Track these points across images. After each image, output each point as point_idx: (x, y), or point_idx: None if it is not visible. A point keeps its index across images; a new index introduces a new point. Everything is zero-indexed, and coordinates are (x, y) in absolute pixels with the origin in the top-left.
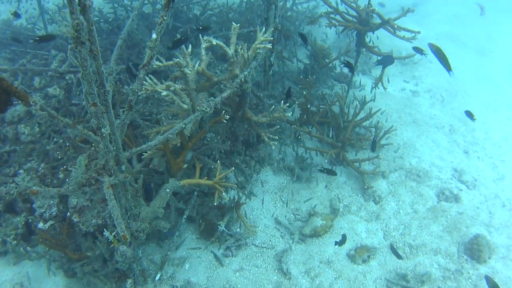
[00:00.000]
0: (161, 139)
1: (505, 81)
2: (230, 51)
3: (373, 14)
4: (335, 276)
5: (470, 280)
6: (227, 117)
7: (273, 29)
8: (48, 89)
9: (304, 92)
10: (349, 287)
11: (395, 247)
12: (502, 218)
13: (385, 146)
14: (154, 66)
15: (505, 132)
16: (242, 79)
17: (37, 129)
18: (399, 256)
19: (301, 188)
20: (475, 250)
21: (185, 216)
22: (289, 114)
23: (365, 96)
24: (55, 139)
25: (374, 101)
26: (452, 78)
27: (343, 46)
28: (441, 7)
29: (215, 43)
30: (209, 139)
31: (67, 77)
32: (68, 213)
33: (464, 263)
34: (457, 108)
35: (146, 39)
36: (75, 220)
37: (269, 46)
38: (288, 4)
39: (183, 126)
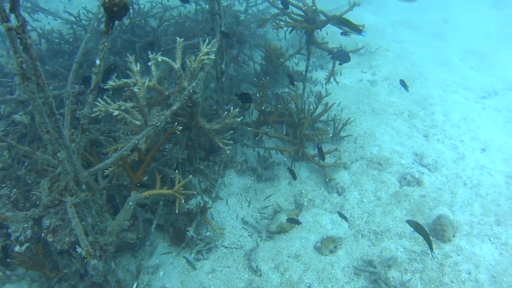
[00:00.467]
0: (116, 156)
1: (462, 61)
2: (176, 65)
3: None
4: (303, 268)
5: (435, 259)
6: (180, 128)
7: (219, 38)
8: (14, 116)
9: (258, 95)
10: (318, 278)
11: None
12: (464, 197)
13: (345, 138)
14: (108, 86)
15: (464, 112)
16: (190, 91)
17: (7, 155)
18: (346, 219)
19: (265, 187)
20: (438, 230)
21: (154, 226)
22: (239, 120)
23: (320, 91)
24: (25, 164)
25: (330, 95)
26: (409, 65)
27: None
28: None
29: (160, 60)
30: (168, 149)
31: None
32: (43, 234)
33: None
34: (415, 93)
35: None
36: (49, 240)
37: (212, 57)
38: (243, 7)
39: (136, 142)
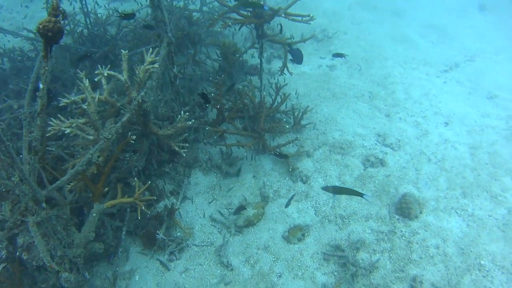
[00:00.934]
0: (72, 173)
1: (422, 37)
2: (123, 77)
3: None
4: (273, 259)
5: (403, 237)
6: (134, 137)
7: (166, 45)
8: None
9: (213, 94)
10: (288, 267)
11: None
12: (429, 173)
13: (306, 126)
14: (62, 104)
15: (425, 88)
16: (139, 100)
17: None
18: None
19: (230, 183)
20: (404, 208)
21: (123, 232)
22: (190, 123)
23: (276, 83)
24: None
25: (290, 84)
26: (368, 46)
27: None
28: None
29: (106, 74)
30: (128, 158)
31: None
32: (17, 252)
33: (396, 222)
34: (375, 74)
35: (67, 69)
36: (25, 257)
37: (156, 66)
38: (197, 6)
39: (90, 156)
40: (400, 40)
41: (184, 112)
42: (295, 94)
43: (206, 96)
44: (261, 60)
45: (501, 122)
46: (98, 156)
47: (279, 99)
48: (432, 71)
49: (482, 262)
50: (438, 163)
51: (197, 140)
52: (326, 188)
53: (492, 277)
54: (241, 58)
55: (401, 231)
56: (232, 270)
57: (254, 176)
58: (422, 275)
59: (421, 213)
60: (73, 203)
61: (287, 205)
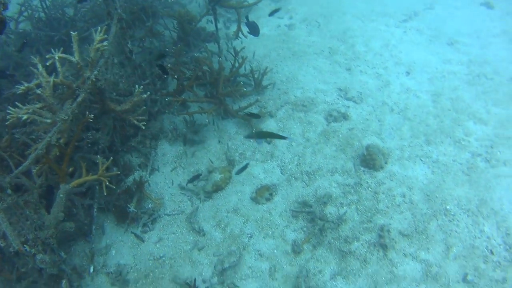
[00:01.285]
0: (32, 157)
1: None
2: (74, 59)
3: None
4: (243, 221)
5: (369, 189)
6: (92, 116)
7: (116, 21)
8: None
9: (169, 65)
10: (258, 227)
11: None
12: (392, 123)
13: (268, 87)
14: (20, 91)
15: (385, 39)
16: (93, 79)
17: None
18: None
19: (197, 150)
20: (369, 160)
21: (95, 210)
22: (145, 96)
23: (234, 47)
24: None
25: (250, 46)
26: (325, 3)
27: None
28: None
29: (57, 57)
30: (91, 137)
31: None
32: None
33: (362, 174)
34: (334, 29)
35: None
36: (2, 245)
37: (106, 44)
38: None
39: (48, 139)
40: None
41: (145, 85)
42: (253, 56)
43: (163, 67)
44: (216, 26)
45: (463, 67)
46: (59, 138)
47: (240, 60)
48: (391, 22)
49: (447, 207)
50: (401, 113)
51: (161, 112)
52: (249, 136)
53: (458, 220)
54: (197, 26)
55: (367, 182)
56: (204, 235)
57: (219, 141)
58: (390, 224)
59: (386, 163)
60: (42, 186)
61: (238, 173)
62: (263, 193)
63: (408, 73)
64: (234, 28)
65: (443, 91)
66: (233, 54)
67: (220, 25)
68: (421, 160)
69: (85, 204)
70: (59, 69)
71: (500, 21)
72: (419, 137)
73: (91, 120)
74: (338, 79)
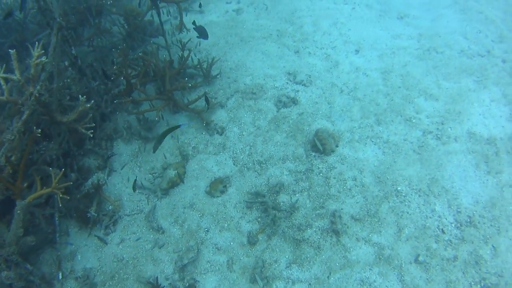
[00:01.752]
0: None
1: None
2: (15, 76)
3: None
4: (199, 215)
5: (321, 174)
6: (39, 130)
7: (56, 31)
8: None
9: (115, 66)
10: (214, 221)
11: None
12: (342, 104)
13: (217, 76)
14: None
15: (333, 17)
16: (36, 95)
17: None
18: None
19: (151, 148)
20: (319, 144)
21: (56, 218)
22: (88, 105)
23: (181, 39)
24: None
25: (195, 37)
26: None
27: None
28: None
29: None
30: (44, 148)
31: None
32: None
33: (313, 160)
34: (282, 11)
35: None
36: None
37: (44, 60)
38: None
39: None
40: None
41: (95, 87)
42: (199, 45)
43: (105, 72)
44: (160, 20)
45: (413, 41)
46: (10, 156)
47: (187, 52)
48: None
49: (399, 188)
50: (351, 93)
51: (114, 111)
52: (155, 148)
53: (409, 201)
54: (144, 21)
55: (318, 167)
56: (163, 233)
57: (172, 136)
58: (342, 209)
59: (337, 146)
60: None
61: (134, 189)
62: (217, 186)
63: (357, 51)
64: (185, 17)
65: (393, 67)
66: (180, 47)
67: (167, 18)
68: (372, 141)
69: (46, 214)
70: (4, 87)
71: None
72: (369, 117)
73: (39, 135)
74: (287, 63)
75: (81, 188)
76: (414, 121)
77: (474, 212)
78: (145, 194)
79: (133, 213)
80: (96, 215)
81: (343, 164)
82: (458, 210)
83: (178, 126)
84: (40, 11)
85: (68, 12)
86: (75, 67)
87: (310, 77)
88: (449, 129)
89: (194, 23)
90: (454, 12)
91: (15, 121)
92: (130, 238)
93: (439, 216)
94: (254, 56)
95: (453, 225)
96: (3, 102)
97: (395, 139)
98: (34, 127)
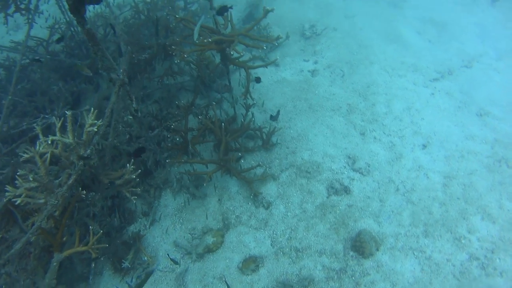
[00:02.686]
0: (23, 241)
1: (417, 34)
2: (68, 140)
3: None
4: None
5: (353, 278)
6: (84, 192)
7: (117, 88)
8: None
9: (173, 126)
10: None
11: None
12: (394, 205)
13: (277, 144)
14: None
15: (409, 101)
16: (83, 162)
17: None
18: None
19: (196, 207)
20: (359, 246)
21: (93, 264)
22: (134, 176)
23: (245, 102)
24: None
25: (268, 93)
26: (356, 47)
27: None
28: None
29: (50, 142)
30: (90, 198)
31: None
32: None
33: (350, 260)
34: (358, 81)
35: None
36: None
37: (95, 130)
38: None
39: (39, 224)
40: (393, 38)
41: (153, 136)
42: (262, 104)
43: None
44: (228, 79)
45: (486, 147)
46: (54, 211)
47: (250, 116)
48: (420, 80)
49: None
50: (406, 194)
51: (167, 160)
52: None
53: None
54: (214, 71)
55: (352, 270)
56: None
57: (219, 200)
58: None
59: (377, 250)
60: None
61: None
62: (250, 265)
63: (424, 146)
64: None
65: (458, 174)
66: (244, 106)
67: (239, 77)
68: (414, 254)
69: (83, 258)
70: (58, 141)
71: None
72: (418, 226)
73: (83, 196)
74: (349, 145)
75: (122, 231)
76: (463, 241)
77: None
78: (181, 253)
79: (165, 270)
80: (130, 266)
81: (378, 272)
82: None
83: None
84: (103, 68)
85: (145, 47)
86: (135, 119)
87: (369, 166)
88: (497, 259)
89: (257, 79)
90: None
91: (64, 175)
92: None
93: None
94: (319, 129)
95: None
96: (57, 155)
97: (438, 258)
98: (80, 188)
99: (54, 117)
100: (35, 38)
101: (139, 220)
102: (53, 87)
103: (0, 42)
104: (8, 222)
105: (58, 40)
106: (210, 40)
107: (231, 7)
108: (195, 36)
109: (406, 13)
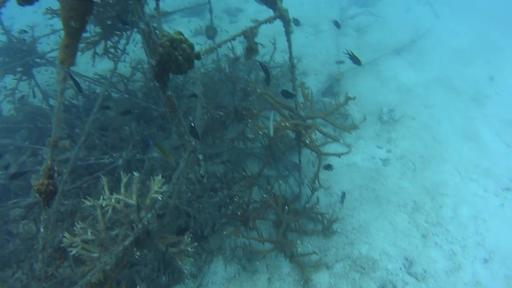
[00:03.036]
0: None
1: (495, 135)
2: (132, 201)
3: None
4: None
5: None
6: (138, 253)
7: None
8: None
9: (235, 200)
10: None
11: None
12: None
13: (337, 232)
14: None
15: (477, 208)
16: (145, 223)
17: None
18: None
19: (245, 280)
20: None
21: None
22: (189, 249)
23: (310, 184)
24: None
25: (336, 177)
26: (431, 140)
27: None
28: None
29: (113, 201)
30: (143, 257)
31: None
32: None
33: None
34: (428, 178)
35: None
36: None
37: (160, 198)
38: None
39: (88, 278)
40: (469, 136)
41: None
42: (329, 188)
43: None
44: (300, 159)
45: None
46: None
47: (315, 198)
48: (492, 187)
49: None
50: None
51: (221, 228)
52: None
53: None
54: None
55: None
56: None
57: (269, 278)
58: None
59: None
60: None
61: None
62: None
63: (486, 260)
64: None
65: None
66: (311, 189)
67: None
68: None
69: None
70: (121, 197)
71: None
72: None
73: (137, 256)
74: (409, 246)
75: None
76: None
77: None
78: None
79: None
80: None
81: None
82: None
83: None
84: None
85: (220, 105)
86: (201, 185)
87: (425, 273)
88: None
89: (328, 167)
90: None
91: (121, 232)
92: None
93: None
94: (381, 223)
95: None
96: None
97: None
98: (134, 249)
99: (121, 159)
100: (116, 74)
101: (187, 281)
102: (125, 128)
103: (82, 71)
104: (60, 258)
105: (125, 113)
106: (287, 124)
107: (295, 95)
108: (271, 131)
109: (487, 111)
